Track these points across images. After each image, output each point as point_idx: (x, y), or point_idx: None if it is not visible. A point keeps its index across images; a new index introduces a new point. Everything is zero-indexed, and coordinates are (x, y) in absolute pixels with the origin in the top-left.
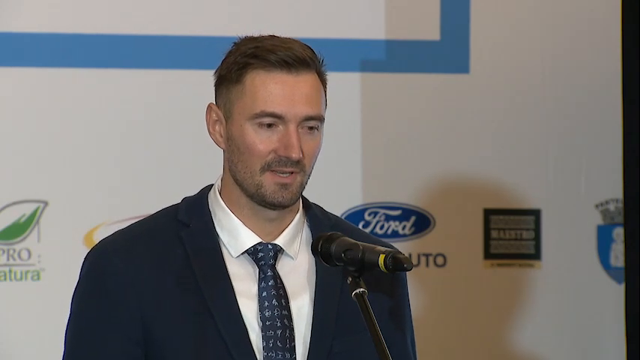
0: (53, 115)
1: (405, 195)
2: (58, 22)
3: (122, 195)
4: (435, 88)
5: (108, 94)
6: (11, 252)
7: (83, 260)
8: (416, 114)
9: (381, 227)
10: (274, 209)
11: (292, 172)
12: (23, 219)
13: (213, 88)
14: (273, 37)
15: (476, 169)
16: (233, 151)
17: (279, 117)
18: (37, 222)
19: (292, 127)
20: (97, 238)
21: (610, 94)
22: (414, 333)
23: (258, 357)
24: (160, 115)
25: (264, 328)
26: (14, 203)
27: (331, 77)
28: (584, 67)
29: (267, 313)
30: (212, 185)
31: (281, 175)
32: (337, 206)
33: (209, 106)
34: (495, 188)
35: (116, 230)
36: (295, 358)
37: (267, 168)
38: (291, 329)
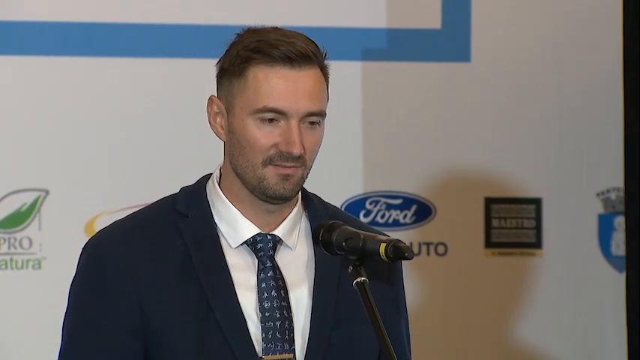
0: (54, 104)
1: (406, 184)
2: (60, 10)
3: (123, 184)
4: (437, 77)
5: (109, 82)
6: (12, 241)
7: (81, 251)
8: (417, 103)
9: (382, 216)
10: (275, 202)
11: (294, 167)
12: (24, 207)
13: (215, 79)
14: (276, 29)
15: (477, 157)
16: (234, 144)
17: (281, 112)
18: (38, 210)
19: (294, 122)
20: (98, 226)
21: (611, 83)
22: (412, 320)
23: (257, 348)
24: (161, 104)
25: (263, 319)
26: (15, 192)
27: (332, 66)
28: (585, 56)
29: (266, 304)
30: (210, 175)
31: (283, 167)
32: (338, 195)
33: (210, 99)
34: (496, 177)
35: (115, 220)
36: (294, 349)
37: (269, 162)
38: (290, 320)
